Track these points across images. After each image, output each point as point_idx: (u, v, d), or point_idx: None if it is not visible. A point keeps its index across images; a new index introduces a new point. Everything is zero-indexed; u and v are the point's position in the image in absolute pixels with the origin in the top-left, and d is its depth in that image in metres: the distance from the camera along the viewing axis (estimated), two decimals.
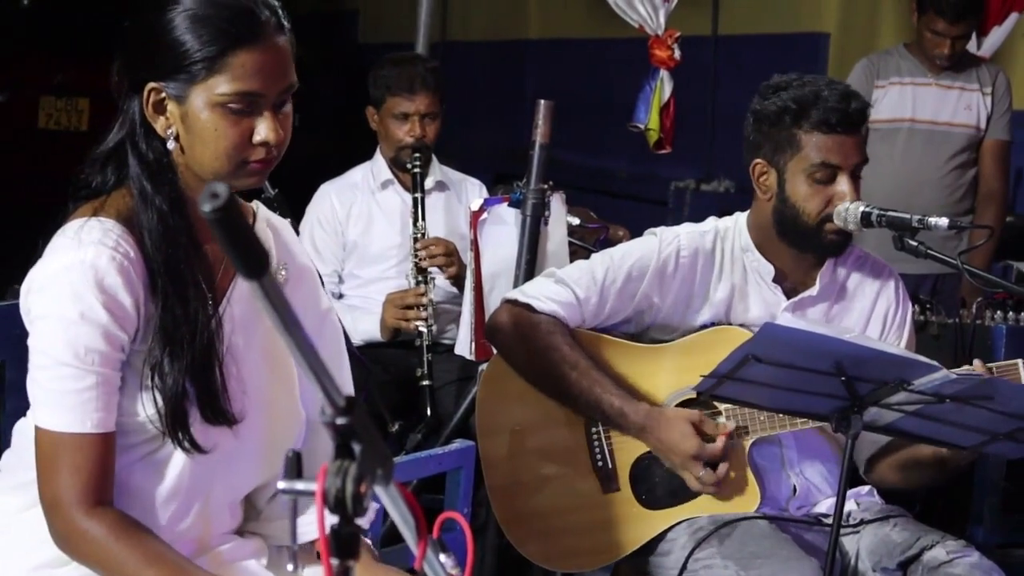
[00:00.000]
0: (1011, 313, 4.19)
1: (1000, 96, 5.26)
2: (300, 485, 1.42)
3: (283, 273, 2.29)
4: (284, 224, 2.36)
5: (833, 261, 3.14)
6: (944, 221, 2.83)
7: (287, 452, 1.43)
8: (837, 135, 2.98)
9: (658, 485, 3.08)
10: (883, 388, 2.51)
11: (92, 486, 2.05)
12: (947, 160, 5.21)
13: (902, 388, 2.49)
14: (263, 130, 2.09)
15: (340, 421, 1.35)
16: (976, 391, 2.45)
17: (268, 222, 2.32)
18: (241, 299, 2.19)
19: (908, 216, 2.89)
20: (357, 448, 1.37)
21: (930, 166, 5.21)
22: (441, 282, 4.29)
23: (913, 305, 3.31)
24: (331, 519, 1.36)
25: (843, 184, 2.99)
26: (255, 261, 1.23)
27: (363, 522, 1.39)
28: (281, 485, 1.43)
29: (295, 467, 1.42)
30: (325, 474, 1.36)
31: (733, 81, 7.41)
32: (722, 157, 7.76)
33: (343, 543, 1.37)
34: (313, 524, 1.48)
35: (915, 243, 2.90)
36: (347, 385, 2.38)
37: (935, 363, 2.52)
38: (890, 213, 2.91)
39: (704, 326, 3.12)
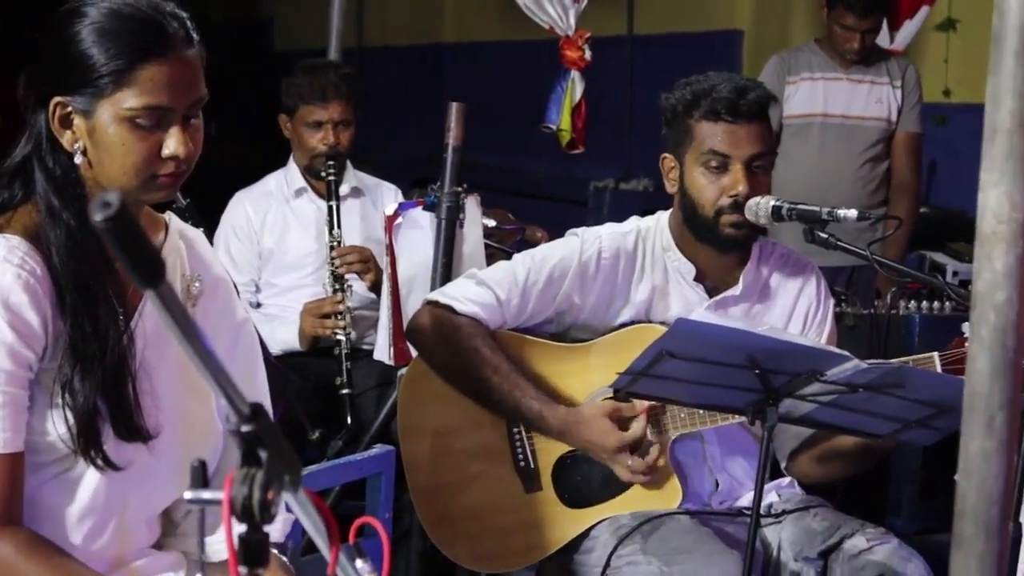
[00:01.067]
0: (924, 302, 4.25)
1: (910, 89, 5.32)
2: (207, 495, 1.40)
3: (197, 285, 2.27)
4: (198, 235, 2.34)
5: (756, 260, 3.15)
6: (853, 213, 2.85)
7: (192, 462, 1.42)
8: (727, 124, 3.00)
9: (580, 484, 3.09)
10: (797, 380, 2.53)
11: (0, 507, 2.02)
12: (860, 153, 5.27)
13: (815, 379, 2.51)
14: (172, 144, 2.06)
15: (245, 429, 1.34)
16: (887, 379, 2.48)
17: (181, 234, 2.29)
18: (153, 314, 2.16)
19: (818, 209, 2.91)
20: (264, 455, 1.35)
21: (843, 160, 5.27)
22: (359, 288, 4.27)
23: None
24: (240, 527, 1.35)
25: (735, 174, 3.00)
26: (149, 270, 1.22)
27: (272, 529, 1.38)
28: (188, 495, 1.41)
29: (201, 477, 1.41)
30: (232, 483, 1.34)
31: (650, 80, 7.45)
32: (641, 156, 7.80)
33: (251, 551, 1.35)
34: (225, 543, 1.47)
35: (825, 235, 2.92)
36: (262, 395, 2.36)
37: (846, 353, 2.54)
38: (800, 206, 2.93)
39: (624, 325, 3.12)
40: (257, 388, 2.34)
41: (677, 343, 2.48)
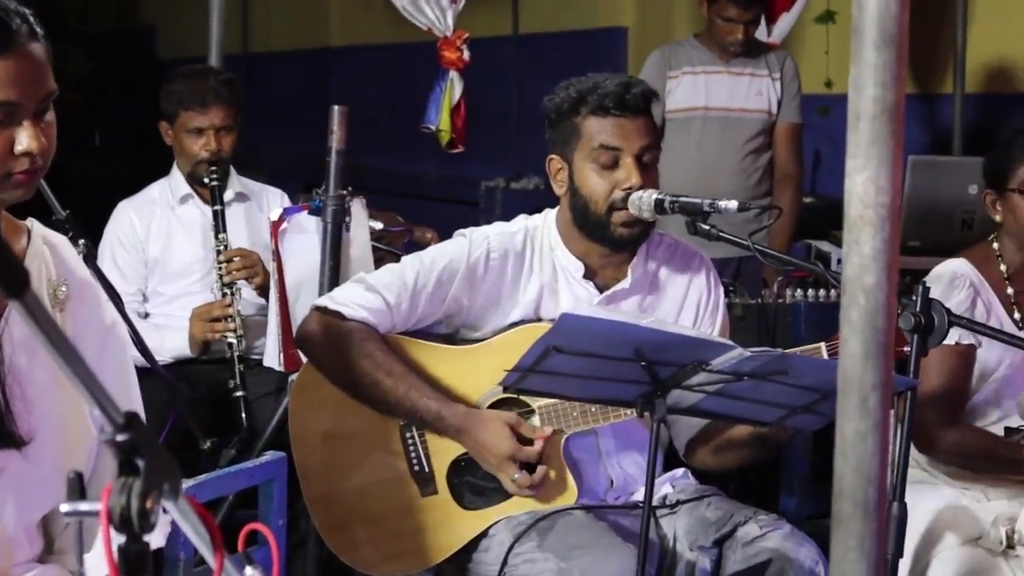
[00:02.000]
0: (810, 291, 4.31)
1: (789, 81, 5.40)
2: (84, 506, 1.38)
3: (64, 289, 2.23)
4: (62, 240, 2.30)
5: (644, 253, 3.17)
6: (733, 204, 2.88)
7: (68, 473, 1.40)
8: (615, 118, 3.02)
9: (476, 485, 3.09)
10: (683, 370, 2.55)
11: None
12: (742, 145, 5.33)
13: (701, 369, 2.53)
14: (24, 140, 2.02)
15: (120, 438, 1.33)
16: (771, 367, 2.50)
17: (45, 239, 2.25)
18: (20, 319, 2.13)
19: (700, 201, 2.93)
20: (141, 464, 1.34)
21: (726, 152, 5.33)
22: (249, 295, 4.24)
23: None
24: (119, 538, 1.34)
25: (626, 167, 3.02)
26: (13, 280, 1.20)
27: (153, 538, 1.36)
28: (64, 508, 1.39)
29: (77, 488, 1.39)
30: (109, 493, 1.33)
31: (537, 79, 7.48)
32: (530, 155, 7.83)
33: (132, 561, 1.34)
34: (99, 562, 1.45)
35: (707, 227, 2.94)
36: (134, 400, 2.33)
37: (730, 342, 2.57)
38: (682, 199, 2.95)
39: (515, 324, 3.13)
40: (128, 393, 2.31)
41: (563, 338, 2.48)
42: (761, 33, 5.93)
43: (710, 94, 5.35)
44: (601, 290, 3.14)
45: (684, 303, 3.21)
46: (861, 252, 1.49)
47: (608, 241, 3.08)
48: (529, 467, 3.00)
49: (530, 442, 3.01)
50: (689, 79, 5.36)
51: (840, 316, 1.51)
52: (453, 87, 5.17)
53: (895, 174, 1.48)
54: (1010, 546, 3.26)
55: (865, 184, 1.48)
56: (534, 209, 3.28)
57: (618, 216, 3.02)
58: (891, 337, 1.50)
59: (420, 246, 3.77)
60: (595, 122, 3.03)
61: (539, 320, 3.12)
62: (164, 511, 1.41)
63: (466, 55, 5.17)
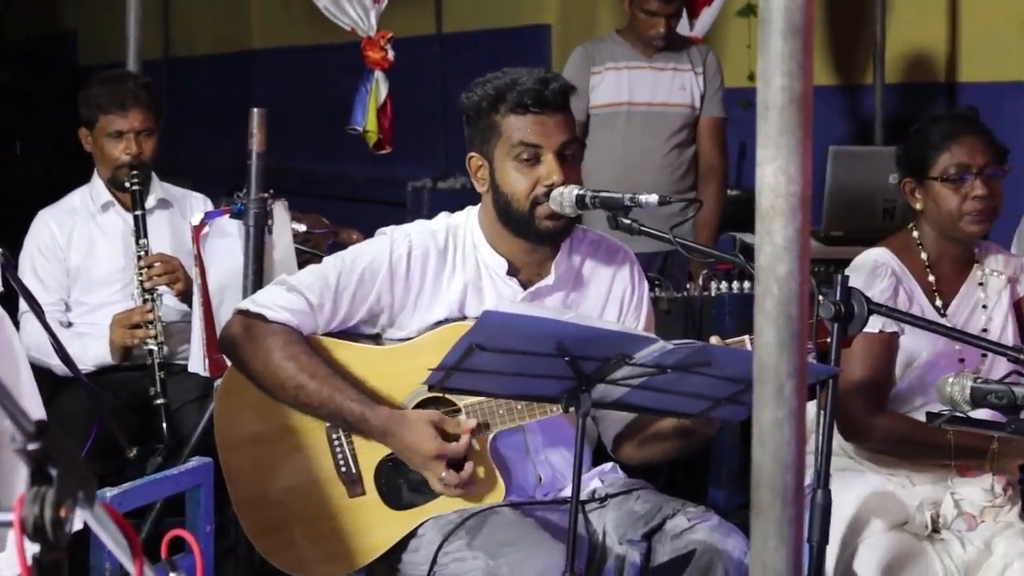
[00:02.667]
0: (735, 283, 4.34)
1: (711, 75, 5.43)
2: None
3: None
4: None
5: (567, 248, 3.17)
6: (654, 198, 2.89)
7: None
8: (535, 115, 3.01)
9: (403, 485, 3.08)
10: (607, 365, 2.55)
11: None
12: (666, 140, 5.36)
13: (624, 363, 2.53)
14: None
15: (32, 447, 1.31)
16: (694, 359, 2.51)
17: None
18: None
19: (620, 196, 2.94)
20: (54, 472, 1.33)
21: (650, 147, 5.35)
22: (172, 301, 4.21)
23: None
24: (33, 548, 1.32)
25: (548, 164, 3.01)
26: None
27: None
28: None
29: None
30: (22, 503, 1.31)
31: (461, 78, 7.47)
32: (456, 154, 7.78)
33: (47, 572, 1.33)
34: (12, 562, 1.44)
35: (628, 221, 2.95)
36: (34, 408, 2.30)
37: (652, 335, 2.58)
38: (603, 194, 2.95)
39: (440, 323, 3.12)
40: (22, 392, 2.28)
41: (485, 335, 2.48)
42: (683, 28, 5.96)
43: (633, 89, 5.37)
44: (525, 287, 3.14)
45: (608, 298, 3.22)
46: (774, 242, 1.50)
47: (532, 236, 3.08)
48: (456, 465, 3.00)
49: (456, 438, 3.00)
50: (612, 75, 5.38)
51: (755, 306, 1.52)
52: (379, 87, 5.17)
53: (805, 164, 1.50)
54: (935, 530, 3.31)
55: (776, 174, 1.49)
56: (460, 208, 3.27)
57: (541, 211, 3.02)
58: (805, 326, 1.51)
59: (345, 248, 3.76)
60: (514, 119, 3.03)
61: (464, 318, 3.11)
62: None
63: (391, 55, 5.17)
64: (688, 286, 4.39)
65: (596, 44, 5.51)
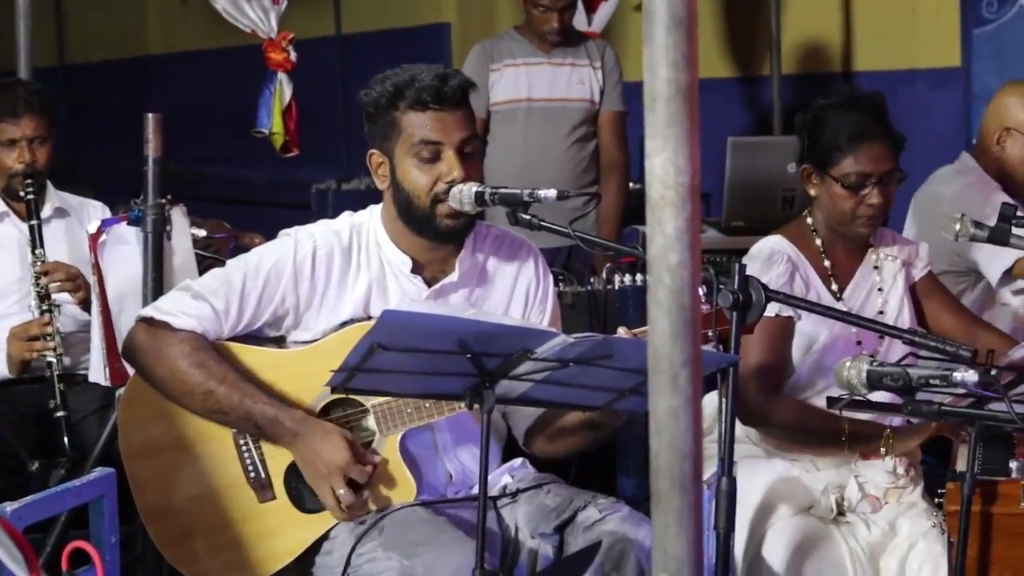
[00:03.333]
0: (638, 275, 4.37)
1: (610, 69, 5.46)
2: None
3: None
4: None
5: (471, 245, 3.16)
6: (552, 193, 2.89)
7: None
8: (434, 111, 3.01)
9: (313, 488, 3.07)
10: (509, 360, 2.54)
11: None
12: (567, 135, 5.38)
13: (526, 358, 2.53)
14: None
15: None
16: (596, 351, 2.52)
17: None
18: None
19: (519, 191, 2.94)
20: None
21: (551, 142, 5.37)
22: (72, 311, 4.15)
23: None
24: None
25: (448, 161, 3.01)
26: None
27: None
28: None
29: None
30: None
31: (362, 79, 7.46)
32: (359, 155, 7.76)
33: None
34: None
35: (528, 217, 2.96)
36: None
37: (553, 330, 2.59)
38: (502, 190, 2.95)
39: (346, 323, 3.11)
40: None
41: (386, 335, 2.47)
42: (581, 23, 6.00)
43: (532, 85, 5.38)
44: (429, 284, 3.14)
45: (513, 293, 3.22)
46: (664, 232, 1.51)
47: (433, 234, 3.08)
48: (354, 487, 2.99)
49: (362, 463, 2.99)
50: (511, 71, 5.40)
51: (648, 296, 1.53)
52: (282, 89, 5.14)
53: (693, 154, 1.51)
54: (840, 513, 3.35)
55: (664, 165, 1.50)
56: (365, 210, 3.26)
57: (442, 208, 3.02)
58: (698, 314, 1.53)
59: (247, 252, 3.73)
60: (414, 116, 3.02)
61: (370, 318, 3.10)
62: None
63: (293, 56, 5.14)
64: (592, 280, 4.41)
65: (494, 41, 5.52)
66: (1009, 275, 3.96)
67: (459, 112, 3.05)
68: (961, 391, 2.62)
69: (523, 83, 5.38)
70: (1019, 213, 3.37)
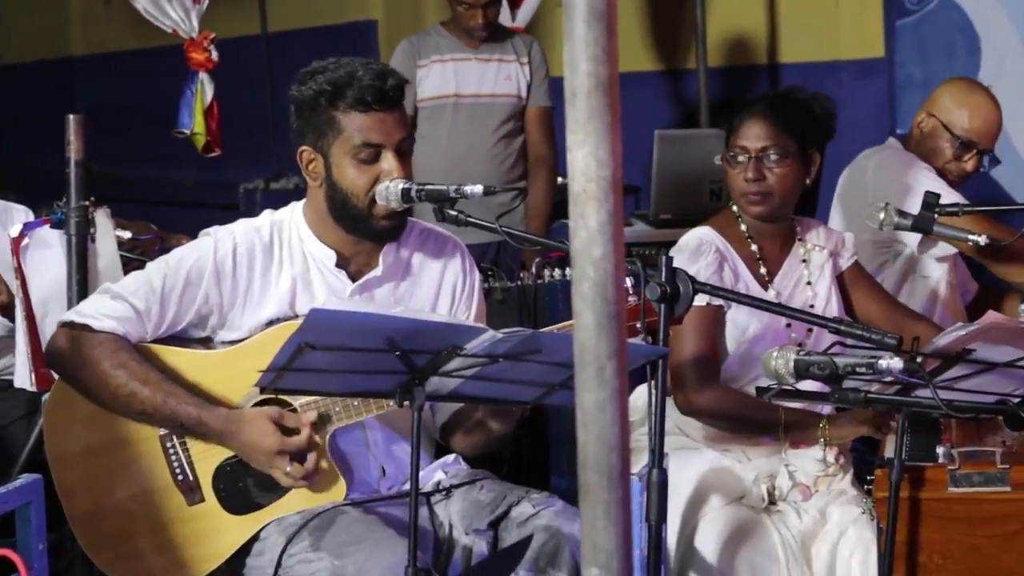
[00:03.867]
0: (568, 269, 4.37)
1: (537, 65, 5.47)
2: None
3: None
4: None
5: (396, 240, 3.17)
6: (479, 188, 2.90)
7: None
8: (376, 112, 3.00)
9: (243, 489, 3.04)
10: (438, 357, 2.54)
11: None
12: (494, 131, 5.38)
13: (456, 354, 2.53)
14: None
15: None
16: (524, 346, 2.52)
17: None
18: None
19: (446, 187, 2.94)
20: None
21: (478, 138, 5.37)
22: None
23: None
24: None
25: (388, 161, 3.01)
26: None
27: None
28: None
29: None
30: None
31: (289, 77, 7.42)
32: (287, 154, 7.70)
33: None
34: None
35: (455, 213, 2.96)
36: None
37: (482, 325, 2.58)
38: (428, 186, 2.95)
39: (272, 322, 3.09)
40: None
41: (314, 334, 2.46)
42: (506, 19, 6.00)
43: (460, 81, 5.38)
44: (354, 279, 3.13)
45: (440, 288, 3.22)
46: (587, 226, 1.51)
47: (370, 233, 3.07)
48: (299, 459, 2.97)
49: (296, 432, 2.97)
50: (438, 67, 5.39)
51: (572, 290, 1.53)
52: (204, 89, 5.10)
53: (615, 147, 1.51)
54: (772, 502, 3.38)
55: (586, 159, 1.50)
56: None
57: (379, 209, 3.02)
58: (622, 307, 1.53)
59: None
60: (356, 118, 3.00)
61: (296, 315, 3.08)
62: None
63: (214, 56, 5.10)
64: (522, 275, 4.42)
65: (421, 37, 5.51)
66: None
67: (398, 112, 3.05)
68: (888, 379, 2.64)
69: (450, 79, 5.37)
70: (942, 200, 3.41)
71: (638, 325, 2.77)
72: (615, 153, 1.51)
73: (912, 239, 4.04)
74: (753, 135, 3.41)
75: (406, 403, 2.63)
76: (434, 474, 3.21)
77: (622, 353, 1.53)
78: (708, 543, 3.24)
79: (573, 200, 1.51)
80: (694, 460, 3.39)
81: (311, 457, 2.97)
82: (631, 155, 5.80)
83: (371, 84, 2.99)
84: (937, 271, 4.12)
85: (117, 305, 3.02)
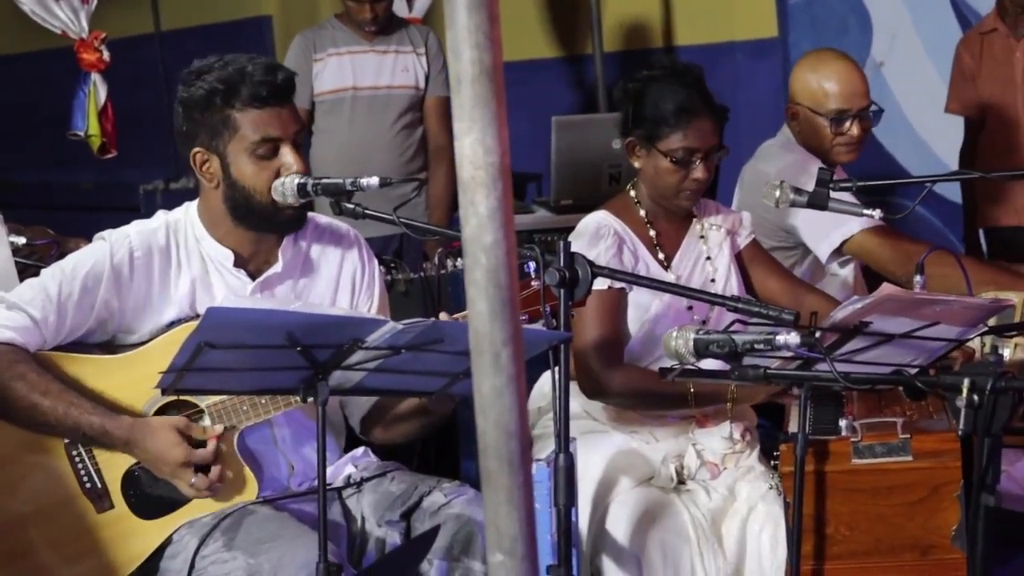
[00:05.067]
0: None
1: (434, 55, 5.46)
2: None
3: None
4: None
5: (293, 235, 3.15)
6: (375, 180, 2.89)
7: None
8: (272, 107, 2.99)
9: (153, 494, 3.01)
10: (340, 351, 2.54)
11: None
12: (393, 123, 5.37)
13: (357, 347, 2.53)
14: None
15: None
16: (425, 336, 2.53)
17: None
18: None
19: (342, 180, 2.94)
20: None
21: (378, 131, 5.36)
22: None
23: (379, 267, 3.39)
24: None
25: (287, 155, 3.00)
26: None
27: None
28: None
29: None
30: None
31: None
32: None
33: None
34: None
35: (352, 206, 2.95)
36: None
37: (381, 317, 2.58)
38: (324, 180, 2.95)
39: (173, 323, 3.06)
40: None
41: (212, 333, 2.44)
42: (403, 9, 5.99)
43: (357, 74, 5.36)
44: (254, 277, 3.11)
45: (339, 281, 3.21)
46: (478, 213, 1.51)
47: (276, 226, 3.06)
48: (205, 468, 2.95)
49: (202, 443, 2.96)
50: (335, 60, 5.37)
51: (465, 277, 1.53)
52: (96, 90, 5.04)
53: (501, 134, 1.51)
54: (681, 481, 3.40)
55: (473, 146, 1.50)
56: None
57: (284, 201, 3.00)
58: (515, 293, 1.53)
59: None
60: (252, 114, 2.99)
61: (198, 316, 3.05)
62: None
63: (106, 56, 5.04)
64: (424, 266, 4.42)
65: (316, 31, 5.49)
66: (838, 253, 4.04)
67: (291, 105, 3.05)
68: (788, 354, 2.67)
69: (348, 72, 5.35)
70: (835, 178, 3.44)
71: (543, 311, 2.77)
72: (502, 139, 1.51)
73: (821, 251, 4.03)
74: (703, 134, 3.39)
75: (311, 399, 2.62)
76: (344, 468, 3.21)
77: (518, 339, 1.54)
78: (619, 525, 3.25)
79: (462, 188, 1.52)
80: (602, 443, 3.40)
81: (215, 470, 2.96)
82: (532, 142, 5.86)
83: (263, 79, 2.97)
84: (845, 270, 4.15)
85: (13, 315, 2.97)
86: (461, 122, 1.50)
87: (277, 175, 2.99)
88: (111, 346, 3.10)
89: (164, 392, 2.74)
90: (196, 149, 3.05)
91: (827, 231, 3.94)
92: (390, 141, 5.36)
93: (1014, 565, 3.15)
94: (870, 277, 4.11)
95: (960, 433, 2.45)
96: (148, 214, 8.03)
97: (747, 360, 2.65)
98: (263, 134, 2.98)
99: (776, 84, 6.61)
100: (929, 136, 6.41)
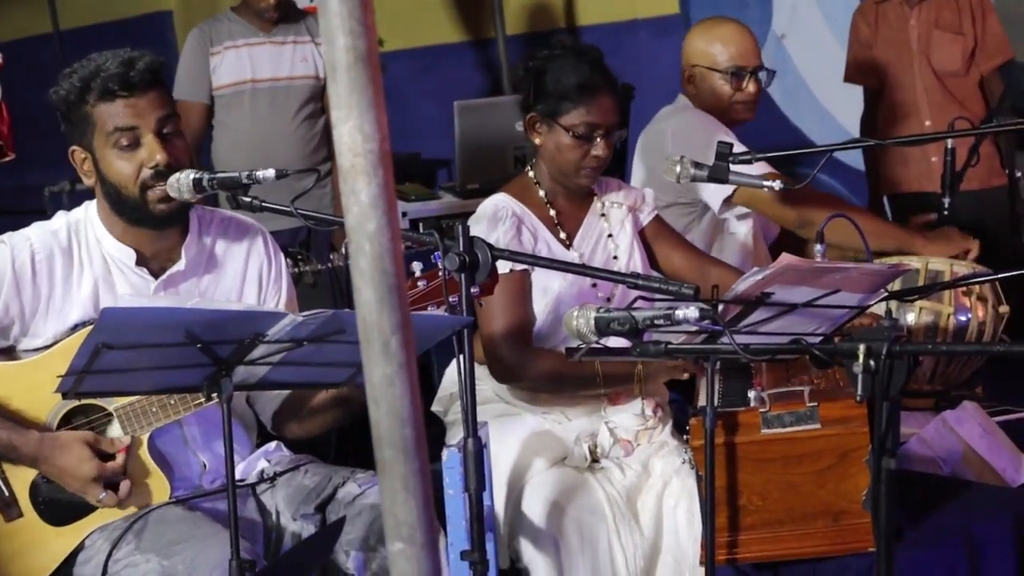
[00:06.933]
0: None
1: None
2: None
3: None
4: None
5: (196, 230, 3.12)
6: (271, 172, 2.86)
7: None
8: (124, 99, 2.96)
9: (63, 500, 2.97)
10: (242, 346, 2.52)
11: None
12: (295, 114, 5.33)
13: (259, 341, 2.51)
14: None
15: None
16: (327, 328, 2.51)
17: None
18: None
19: (237, 174, 2.91)
20: None
21: (279, 123, 5.31)
22: None
23: (286, 259, 3.36)
24: None
25: (149, 145, 2.97)
26: None
27: None
28: None
29: None
30: None
31: None
32: None
33: None
34: None
35: (248, 199, 2.93)
36: None
37: (281, 310, 2.56)
38: (220, 175, 2.92)
39: (78, 326, 3.02)
40: None
41: (110, 334, 2.41)
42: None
43: (255, 66, 5.31)
44: (157, 275, 3.08)
45: (246, 276, 3.19)
46: (359, 200, 1.50)
47: (151, 221, 3.03)
48: (113, 483, 2.94)
49: (112, 456, 2.93)
50: (232, 53, 5.31)
51: (350, 266, 1.52)
52: None
53: (380, 120, 1.50)
54: (595, 460, 3.41)
55: (351, 133, 1.49)
56: None
57: (153, 194, 2.98)
58: (402, 279, 1.52)
59: None
60: (105, 107, 2.97)
61: None
62: None
63: None
64: (332, 256, 4.40)
65: (212, 24, 5.42)
66: (729, 202, 4.09)
67: (151, 94, 2.99)
68: (692, 328, 2.68)
69: (246, 64, 5.30)
70: (735, 150, 3.47)
71: (451, 299, 2.77)
72: (381, 125, 1.50)
73: (713, 201, 4.10)
74: (605, 111, 3.41)
75: (214, 396, 2.60)
76: (257, 463, 3.20)
77: (406, 325, 1.53)
78: (535, 507, 3.26)
79: (343, 176, 1.50)
80: (515, 426, 3.41)
81: (124, 485, 2.95)
82: (440, 128, 5.82)
83: (115, 72, 2.95)
84: (743, 227, 4.20)
85: None
86: (338, 110, 1.49)
87: (142, 166, 2.97)
88: (13, 351, 3.05)
89: (65, 396, 2.69)
90: (72, 148, 3.07)
91: None
92: (293, 132, 5.32)
93: (926, 526, 3.19)
94: (785, 246, 4.16)
95: (858, 398, 2.47)
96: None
97: (650, 336, 2.66)
98: (116, 124, 2.96)
99: (679, 61, 6.63)
100: (832, 106, 6.47)
